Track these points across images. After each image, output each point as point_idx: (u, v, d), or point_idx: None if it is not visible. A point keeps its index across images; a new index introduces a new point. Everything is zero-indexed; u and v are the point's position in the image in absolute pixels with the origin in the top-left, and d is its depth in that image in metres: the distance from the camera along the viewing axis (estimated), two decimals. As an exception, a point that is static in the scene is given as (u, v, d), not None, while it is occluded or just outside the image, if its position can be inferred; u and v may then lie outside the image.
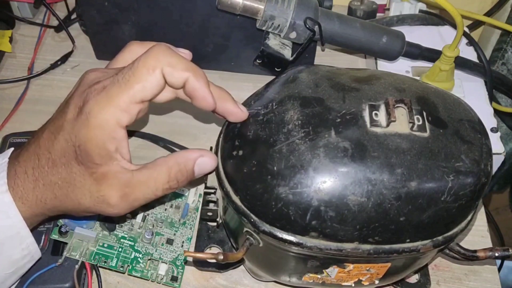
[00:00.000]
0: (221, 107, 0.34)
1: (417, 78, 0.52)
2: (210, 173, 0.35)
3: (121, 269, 0.40)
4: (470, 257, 0.35)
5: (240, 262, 0.42)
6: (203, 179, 0.36)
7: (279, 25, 0.47)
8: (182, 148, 0.51)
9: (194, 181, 0.37)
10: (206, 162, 0.33)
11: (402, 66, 0.54)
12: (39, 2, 0.61)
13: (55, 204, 0.33)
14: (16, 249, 0.33)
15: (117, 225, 0.41)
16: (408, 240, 0.32)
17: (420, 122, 0.31)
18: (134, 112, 0.31)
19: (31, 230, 0.34)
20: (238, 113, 0.34)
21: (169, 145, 0.51)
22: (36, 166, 0.32)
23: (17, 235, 0.33)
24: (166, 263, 0.41)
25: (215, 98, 0.32)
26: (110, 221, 0.41)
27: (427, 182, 0.30)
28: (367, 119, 0.31)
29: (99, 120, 0.30)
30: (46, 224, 0.41)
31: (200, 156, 0.33)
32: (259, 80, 0.57)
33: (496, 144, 0.47)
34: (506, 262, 0.73)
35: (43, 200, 0.32)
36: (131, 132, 0.51)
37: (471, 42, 0.55)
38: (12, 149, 0.34)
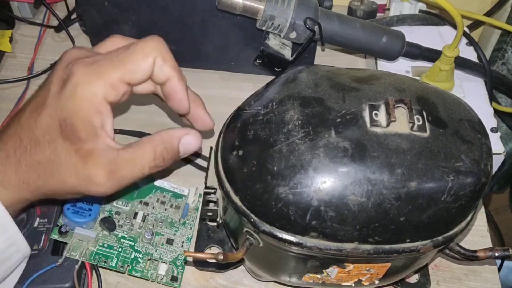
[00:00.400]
0: (193, 112, 0.35)
1: (417, 78, 0.52)
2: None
3: (121, 269, 0.40)
4: (470, 257, 0.35)
5: (240, 262, 0.42)
6: (204, 179, 0.36)
7: (279, 25, 0.47)
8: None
9: (178, 162, 0.37)
10: (191, 140, 0.34)
11: (402, 66, 0.54)
12: (39, 2, 0.61)
13: (39, 185, 0.32)
14: None
15: (117, 225, 0.41)
16: (408, 240, 0.32)
17: (420, 122, 0.31)
18: (120, 91, 0.31)
19: (14, 218, 0.33)
20: (206, 121, 0.35)
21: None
22: (18, 147, 0.31)
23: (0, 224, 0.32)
24: (166, 263, 0.41)
25: (189, 102, 0.34)
26: (110, 221, 0.41)
27: (427, 182, 0.30)
28: (367, 119, 0.31)
29: (87, 93, 0.30)
30: (46, 224, 0.41)
31: (185, 134, 0.33)
32: (259, 80, 0.57)
33: (496, 144, 0.47)
34: (506, 262, 0.73)
35: (26, 182, 0.31)
36: (132, 131, 0.51)
37: (471, 42, 0.55)
38: None
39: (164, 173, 0.49)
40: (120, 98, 0.32)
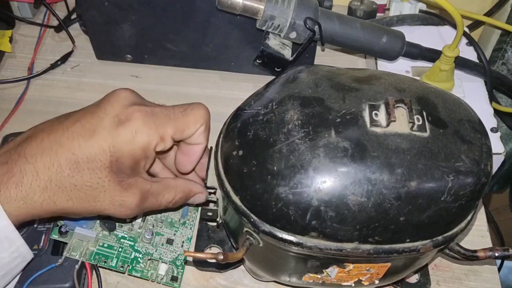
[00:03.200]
0: (191, 176, 0.40)
1: (417, 78, 0.52)
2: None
3: (121, 269, 0.40)
4: (470, 257, 0.35)
5: (240, 262, 0.42)
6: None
7: (279, 25, 0.47)
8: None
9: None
10: (202, 198, 0.39)
11: (402, 66, 0.54)
12: (39, 2, 0.61)
13: (65, 206, 0.32)
14: (5, 253, 0.33)
15: (117, 225, 0.41)
16: (408, 240, 0.32)
17: (420, 122, 0.31)
18: (168, 145, 0.34)
19: (20, 227, 0.33)
20: (201, 196, 0.39)
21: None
22: (53, 165, 0.31)
23: (6, 238, 0.32)
24: (166, 263, 0.41)
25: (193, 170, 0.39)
26: (110, 221, 0.41)
27: (427, 182, 0.30)
28: (367, 119, 0.31)
29: (144, 142, 0.33)
30: (46, 224, 0.41)
31: (200, 192, 0.38)
32: (259, 80, 0.57)
33: (496, 144, 0.47)
34: (506, 262, 0.73)
35: (53, 201, 0.32)
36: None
37: (471, 42, 0.55)
38: None
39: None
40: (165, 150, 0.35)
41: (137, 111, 0.33)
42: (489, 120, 0.49)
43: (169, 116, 0.34)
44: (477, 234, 0.47)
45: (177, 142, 0.36)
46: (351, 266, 0.34)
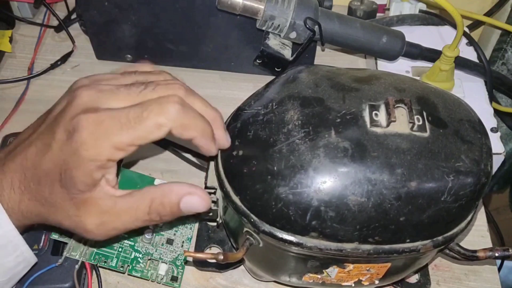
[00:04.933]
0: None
1: (417, 78, 0.52)
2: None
3: (121, 269, 0.40)
4: (470, 257, 0.35)
5: (240, 262, 0.42)
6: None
7: (279, 25, 0.47)
8: (185, 150, 0.50)
9: (190, 217, 0.37)
10: (194, 201, 0.31)
11: (402, 66, 0.54)
12: (39, 2, 0.61)
13: (41, 219, 0.32)
14: (10, 257, 0.33)
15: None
16: (408, 240, 0.32)
17: (420, 122, 0.31)
18: (130, 151, 0.30)
19: (24, 232, 0.34)
20: (223, 141, 0.33)
21: (172, 147, 0.50)
22: (23, 180, 0.31)
23: (10, 243, 0.33)
24: (166, 263, 0.41)
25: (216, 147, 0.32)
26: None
27: (427, 182, 0.30)
28: (367, 119, 0.31)
29: (91, 155, 0.29)
30: (46, 224, 0.41)
31: (188, 193, 0.31)
32: (259, 80, 0.57)
33: (496, 144, 0.47)
34: (506, 262, 0.73)
35: (29, 213, 0.32)
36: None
37: (471, 42, 0.55)
38: None
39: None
40: (129, 155, 0.30)
41: (85, 121, 0.29)
42: (489, 120, 0.49)
43: (120, 121, 0.29)
44: (477, 234, 0.47)
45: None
46: (351, 266, 0.34)
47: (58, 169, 0.30)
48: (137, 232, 0.41)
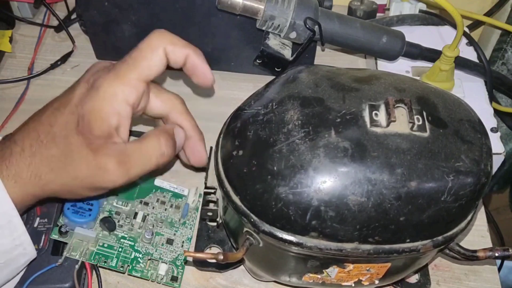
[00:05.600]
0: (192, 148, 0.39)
1: (417, 78, 0.52)
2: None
3: (121, 269, 0.40)
4: (470, 257, 0.35)
5: (240, 262, 0.42)
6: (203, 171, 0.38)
7: (279, 25, 0.47)
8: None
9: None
10: (178, 131, 0.37)
11: (402, 66, 0.54)
12: (39, 2, 0.61)
13: (50, 179, 0.33)
14: (7, 239, 0.33)
15: (117, 225, 0.41)
16: (408, 240, 0.32)
17: (420, 122, 0.31)
18: (140, 90, 0.33)
19: (25, 211, 0.34)
20: (201, 156, 0.38)
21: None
22: (35, 141, 0.33)
23: (9, 223, 0.33)
24: (166, 263, 0.41)
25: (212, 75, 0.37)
26: (110, 221, 0.41)
27: (427, 182, 0.30)
28: (367, 119, 0.31)
29: (108, 93, 0.32)
30: (46, 224, 0.41)
31: (173, 126, 0.37)
32: (259, 80, 0.57)
33: (496, 144, 0.47)
34: (506, 262, 0.73)
35: (38, 175, 0.32)
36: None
37: (471, 42, 0.55)
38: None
39: (162, 171, 0.49)
40: (141, 99, 0.34)
41: (100, 72, 0.34)
42: (489, 120, 0.49)
43: (127, 61, 0.33)
44: (477, 234, 0.47)
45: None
46: (351, 266, 0.34)
47: (76, 117, 0.32)
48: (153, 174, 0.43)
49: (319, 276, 0.36)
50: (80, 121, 0.32)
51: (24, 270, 0.37)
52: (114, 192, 0.42)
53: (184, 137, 0.37)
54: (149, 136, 0.35)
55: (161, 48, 0.34)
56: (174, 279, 0.41)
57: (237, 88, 0.57)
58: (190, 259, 0.42)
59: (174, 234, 0.43)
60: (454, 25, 0.55)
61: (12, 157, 0.32)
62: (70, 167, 0.32)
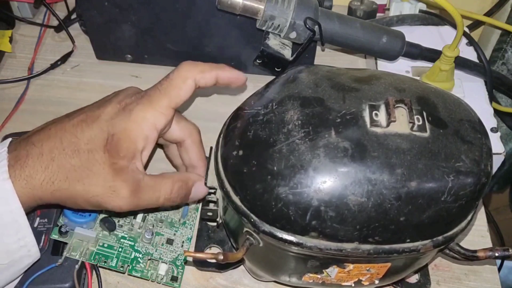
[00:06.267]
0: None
1: (417, 78, 0.52)
2: (199, 201, 0.40)
3: (121, 269, 0.40)
4: (470, 257, 0.35)
5: (240, 262, 0.42)
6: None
7: (279, 25, 0.47)
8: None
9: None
10: (202, 187, 0.38)
11: (402, 66, 0.54)
12: (39, 2, 0.61)
13: (63, 187, 0.33)
14: (12, 238, 0.33)
15: (117, 225, 0.41)
16: (408, 240, 0.32)
17: (420, 122, 0.31)
18: (170, 116, 0.35)
19: (30, 212, 0.34)
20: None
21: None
22: (56, 148, 0.33)
23: (15, 222, 0.33)
24: (166, 263, 0.41)
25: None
26: (110, 221, 0.41)
27: (427, 182, 0.30)
28: (367, 119, 0.31)
29: (140, 117, 0.34)
30: (46, 224, 0.41)
31: (199, 180, 0.38)
32: (259, 80, 0.57)
33: (496, 144, 0.47)
34: (506, 262, 0.73)
35: (52, 181, 0.33)
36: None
37: (471, 42, 0.55)
38: (10, 139, 0.35)
39: (167, 208, 0.48)
40: (169, 124, 0.36)
41: (134, 96, 0.36)
42: (489, 120, 0.49)
43: (158, 89, 0.35)
44: (477, 234, 0.47)
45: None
46: (351, 266, 0.34)
47: (105, 134, 0.34)
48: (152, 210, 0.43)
49: (319, 276, 0.36)
50: (109, 139, 0.33)
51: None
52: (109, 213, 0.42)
53: (205, 194, 0.38)
54: (165, 178, 0.36)
55: (191, 78, 0.36)
56: (174, 279, 0.41)
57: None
58: (190, 259, 0.42)
59: (174, 234, 0.43)
60: (454, 25, 0.55)
61: (28, 158, 0.33)
62: (86, 180, 0.33)
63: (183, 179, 0.37)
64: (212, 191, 0.37)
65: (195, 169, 0.40)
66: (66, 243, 0.39)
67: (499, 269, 0.47)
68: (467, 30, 0.57)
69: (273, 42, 0.50)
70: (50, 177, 0.33)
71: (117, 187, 0.33)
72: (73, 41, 0.60)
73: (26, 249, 0.34)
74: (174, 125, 0.38)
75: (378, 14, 0.61)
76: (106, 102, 0.36)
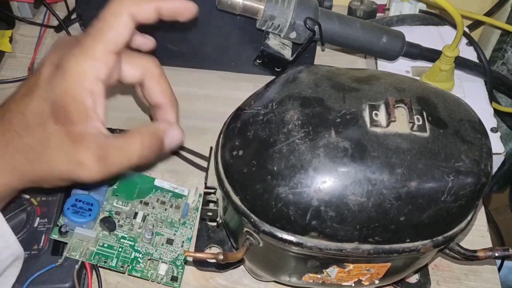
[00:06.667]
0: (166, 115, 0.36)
1: (417, 78, 0.52)
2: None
3: (121, 269, 0.40)
4: (470, 257, 0.35)
5: (240, 262, 0.42)
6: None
7: (279, 25, 0.47)
8: (188, 150, 0.50)
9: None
10: (176, 133, 0.35)
11: (402, 66, 0.54)
12: (39, 2, 0.61)
13: (27, 170, 0.31)
14: None
15: (117, 225, 0.41)
16: (408, 240, 0.32)
17: (420, 122, 0.31)
18: (110, 63, 0.31)
19: (1, 211, 0.32)
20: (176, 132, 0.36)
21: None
22: (7, 131, 0.31)
23: None
24: (166, 263, 0.41)
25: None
26: (110, 221, 0.41)
27: (427, 182, 0.30)
28: (367, 119, 0.31)
29: (76, 72, 0.30)
30: (46, 224, 0.41)
31: (170, 127, 0.35)
32: (259, 80, 0.57)
33: (496, 144, 0.47)
34: (506, 262, 0.73)
35: (14, 166, 0.31)
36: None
37: (471, 42, 0.55)
38: None
39: (148, 166, 0.48)
40: (111, 73, 0.32)
41: (65, 49, 0.31)
42: (489, 120, 0.49)
43: (91, 34, 0.31)
44: (477, 234, 0.47)
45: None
46: (351, 266, 0.34)
47: (48, 103, 0.30)
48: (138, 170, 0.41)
49: (319, 276, 0.36)
50: (54, 107, 0.30)
51: (23, 270, 0.37)
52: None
53: (181, 138, 0.35)
54: (133, 135, 0.33)
55: (124, 13, 0.31)
56: (174, 279, 0.41)
57: (237, 88, 0.57)
58: (190, 259, 0.42)
59: (174, 234, 0.43)
60: (454, 25, 0.55)
61: None
62: (48, 158, 0.30)
63: (152, 131, 0.34)
64: (212, 191, 0.37)
65: (160, 109, 0.36)
66: (66, 243, 0.39)
67: (499, 269, 0.47)
68: (467, 30, 0.57)
69: (273, 42, 0.50)
70: (11, 163, 0.31)
71: (81, 157, 0.30)
72: (73, 41, 0.60)
73: (9, 250, 0.33)
74: (125, 66, 0.34)
75: (378, 14, 0.61)
76: (39, 68, 0.32)
